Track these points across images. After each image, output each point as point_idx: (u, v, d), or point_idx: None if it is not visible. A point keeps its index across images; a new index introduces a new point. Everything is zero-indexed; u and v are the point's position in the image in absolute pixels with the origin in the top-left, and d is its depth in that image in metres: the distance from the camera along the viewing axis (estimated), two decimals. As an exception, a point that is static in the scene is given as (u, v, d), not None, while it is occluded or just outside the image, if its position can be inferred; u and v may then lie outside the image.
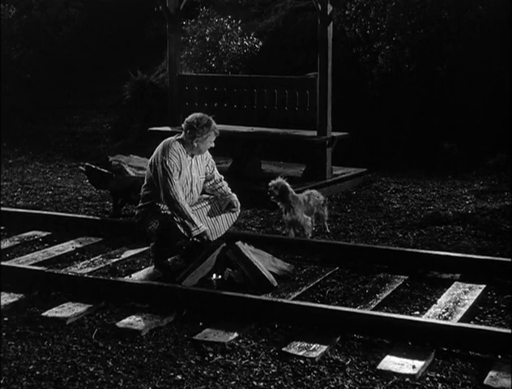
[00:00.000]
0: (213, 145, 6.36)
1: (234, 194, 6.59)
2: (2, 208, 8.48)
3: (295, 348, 4.80)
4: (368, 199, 9.15)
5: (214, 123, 6.31)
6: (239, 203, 6.62)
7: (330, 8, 9.31)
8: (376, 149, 10.92)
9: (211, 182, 6.53)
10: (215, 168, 6.58)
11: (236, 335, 5.03)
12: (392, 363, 4.57)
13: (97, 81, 12.66)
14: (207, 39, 12.39)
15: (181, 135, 6.30)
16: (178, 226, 6.11)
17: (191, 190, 6.32)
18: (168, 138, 6.34)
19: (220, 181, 6.57)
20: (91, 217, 8.13)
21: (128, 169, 8.21)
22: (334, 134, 9.70)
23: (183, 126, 6.33)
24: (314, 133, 9.66)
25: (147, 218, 6.32)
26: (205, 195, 6.58)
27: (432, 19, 11.05)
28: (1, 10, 14.37)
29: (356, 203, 9.02)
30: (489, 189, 9.39)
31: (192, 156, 6.30)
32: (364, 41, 11.47)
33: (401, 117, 11.11)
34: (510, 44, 10.39)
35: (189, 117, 6.35)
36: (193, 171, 6.32)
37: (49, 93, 14.20)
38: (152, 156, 6.31)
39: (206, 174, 6.46)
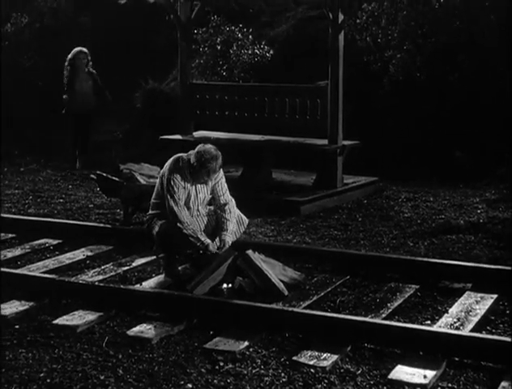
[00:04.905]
0: (207, 180, 6.25)
1: (233, 222, 6.38)
2: (14, 216, 8.52)
3: (305, 357, 4.79)
4: (379, 208, 9.12)
5: (212, 165, 6.10)
6: (246, 220, 6.58)
7: (341, 17, 9.30)
8: (387, 158, 10.89)
9: (215, 203, 6.46)
10: (225, 194, 6.40)
11: (246, 343, 5.02)
12: (403, 373, 4.54)
13: (108, 89, 12.69)
14: (218, 47, 12.41)
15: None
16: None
17: (194, 207, 6.33)
18: (179, 154, 6.36)
19: (223, 206, 6.37)
20: (101, 225, 8.14)
21: (139, 177, 8.22)
22: (345, 142, 9.68)
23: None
24: (325, 141, 9.64)
25: (153, 224, 6.37)
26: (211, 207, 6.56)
27: (443, 28, 11.03)
28: (12, 18, 14.46)
29: (366, 211, 8.99)
30: (501, 198, 9.33)
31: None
32: (376, 50, 11.46)
33: (412, 126, 11.08)
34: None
35: (202, 145, 6.25)
36: (199, 191, 6.33)
37: (61, 101, 14.21)
38: (162, 169, 6.37)
39: (213, 191, 6.40)
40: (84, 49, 11.96)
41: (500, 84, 10.64)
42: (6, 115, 12.93)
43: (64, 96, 12.02)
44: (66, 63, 12.00)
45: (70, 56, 11.93)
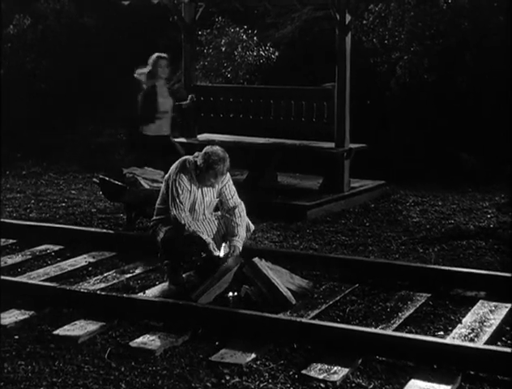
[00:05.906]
0: (213, 182, 6.11)
1: (243, 226, 6.24)
2: (15, 221, 8.37)
3: (315, 371, 4.62)
4: (386, 213, 8.96)
5: (219, 166, 5.98)
6: (252, 227, 6.44)
7: (348, 18, 9.13)
8: (394, 161, 10.73)
9: (223, 207, 6.32)
10: (233, 197, 6.26)
11: (253, 356, 4.85)
12: (417, 387, 4.38)
13: (111, 91, 12.55)
14: (223, 49, 12.27)
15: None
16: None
17: (200, 210, 6.20)
18: (185, 157, 6.25)
19: (233, 209, 6.24)
20: (104, 231, 7.99)
21: (142, 182, 8.07)
22: (352, 145, 9.52)
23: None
24: (332, 144, 9.49)
25: (158, 229, 6.24)
26: (219, 213, 6.42)
27: (451, 29, 10.89)
28: (15, 20, 14.32)
29: (374, 216, 8.83)
30: (511, 202, 9.18)
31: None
32: (383, 51, 11.33)
33: (419, 129, 10.93)
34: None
35: (209, 147, 6.12)
36: (205, 194, 6.20)
37: (64, 104, 14.10)
38: (168, 172, 6.24)
39: (220, 194, 6.27)
40: (164, 54, 9.07)
41: (508, 86, 10.48)
42: (9, 118, 12.79)
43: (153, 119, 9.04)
44: (141, 74, 9.06)
45: (149, 66, 8.98)
